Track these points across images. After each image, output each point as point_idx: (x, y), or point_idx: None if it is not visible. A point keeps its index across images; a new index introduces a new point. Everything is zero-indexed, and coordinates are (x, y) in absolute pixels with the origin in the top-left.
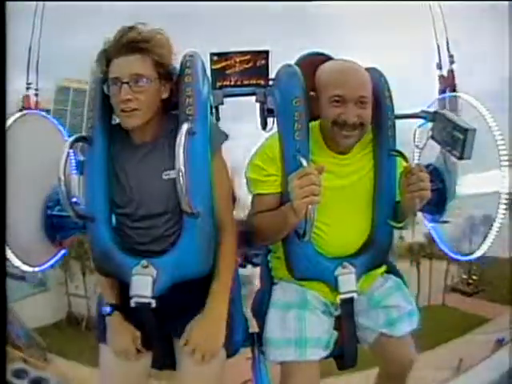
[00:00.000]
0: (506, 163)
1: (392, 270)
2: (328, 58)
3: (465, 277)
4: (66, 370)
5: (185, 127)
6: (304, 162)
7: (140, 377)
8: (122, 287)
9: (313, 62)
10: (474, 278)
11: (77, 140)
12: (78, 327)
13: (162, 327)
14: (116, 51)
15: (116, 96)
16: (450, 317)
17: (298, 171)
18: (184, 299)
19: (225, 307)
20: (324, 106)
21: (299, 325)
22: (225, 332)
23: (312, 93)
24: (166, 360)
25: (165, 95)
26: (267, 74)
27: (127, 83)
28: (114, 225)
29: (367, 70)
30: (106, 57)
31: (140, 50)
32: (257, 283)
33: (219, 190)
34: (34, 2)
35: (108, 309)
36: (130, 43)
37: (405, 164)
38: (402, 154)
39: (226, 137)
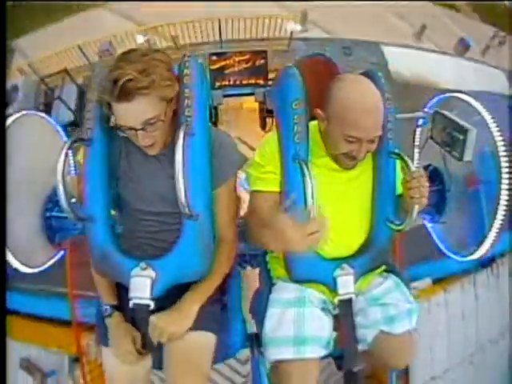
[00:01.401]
0: (506, 164)
1: (391, 270)
2: (328, 60)
3: None
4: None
5: (183, 129)
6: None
7: (142, 378)
8: (122, 290)
9: (313, 63)
10: None
11: (75, 141)
12: None
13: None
14: (116, 99)
15: (134, 138)
16: None
17: (306, 219)
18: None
19: (197, 304)
20: (335, 138)
21: (298, 323)
22: (191, 322)
23: (319, 111)
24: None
25: (174, 107)
26: (266, 74)
27: (142, 129)
28: (114, 223)
29: (368, 72)
30: (106, 101)
31: (143, 95)
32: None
33: (224, 208)
34: None
35: (108, 310)
36: (130, 93)
37: (405, 166)
38: (402, 157)
39: (245, 160)
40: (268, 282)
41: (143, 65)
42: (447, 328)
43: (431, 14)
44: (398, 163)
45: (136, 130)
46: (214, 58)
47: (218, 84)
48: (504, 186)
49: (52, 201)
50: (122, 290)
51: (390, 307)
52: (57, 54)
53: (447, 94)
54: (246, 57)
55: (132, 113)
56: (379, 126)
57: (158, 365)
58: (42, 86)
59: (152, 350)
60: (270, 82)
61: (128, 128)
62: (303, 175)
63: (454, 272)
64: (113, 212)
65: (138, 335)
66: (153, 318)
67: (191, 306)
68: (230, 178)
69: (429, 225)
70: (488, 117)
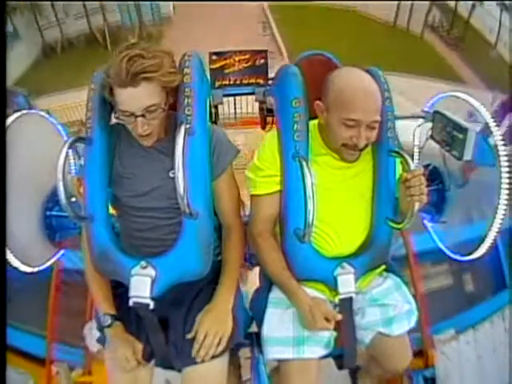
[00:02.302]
0: (506, 164)
1: (391, 269)
2: (328, 59)
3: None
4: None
5: (183, 128)
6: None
7: (145, 380)
8: (121, 291)
9: (312, 63)
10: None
11: (75, 140)
12: (55, 56)
13: (161, 327)
14: (121, 82)
15: (132, 125)
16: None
17: (317, 307)
18: (182, 300)
19: (231, 297)
20: (335, 125)
21: (297, 323)
22: (231, 322)
23: (319, 102)
24: (166, 360)
25: (171, 100)
26: (266, 73)
27: (142, 116)
28: (114, 223)
29: (368, 70)
30: (109, 84)
31: (148, 80)
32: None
33: (227, 196)
34: None
35: (107, 320)
36: (138, 75)
37: (404, 164)
38: (401, 155)
39: (238, 152)
40: (268, 282)
41: (150, 52)
42: (478, 366)
43: (439, 89)
44: (398, 162)
45: (136, 116)
46: (214, 57)
47: (218, 83)
48: (504, 186)
49: (52, 200)
50: (123, 301)
51: (389, 308)
52: (75, 105)
53: (447, 94)
54: (247, 56)
55: (136, 97)
56: (377, 109)
57: (160, 364)
58: None
59: (159, 353)
60: (270, 82)
61: (129, 114)
62: (303, 172)
63: (478, 322)
64: (112, 211)
65: (139, 347)
66: (198, 319)
67: (227, 303)
68: (228, 166)
69: (429, 224)
70: (488, 117)
